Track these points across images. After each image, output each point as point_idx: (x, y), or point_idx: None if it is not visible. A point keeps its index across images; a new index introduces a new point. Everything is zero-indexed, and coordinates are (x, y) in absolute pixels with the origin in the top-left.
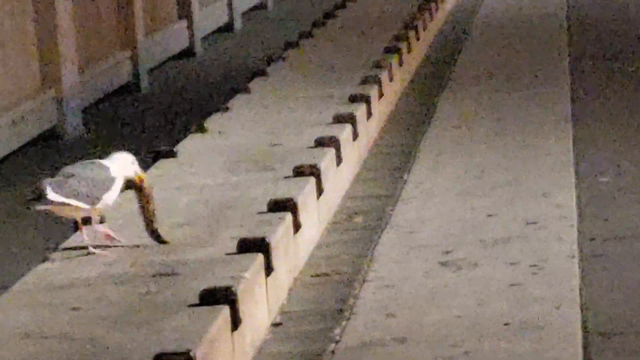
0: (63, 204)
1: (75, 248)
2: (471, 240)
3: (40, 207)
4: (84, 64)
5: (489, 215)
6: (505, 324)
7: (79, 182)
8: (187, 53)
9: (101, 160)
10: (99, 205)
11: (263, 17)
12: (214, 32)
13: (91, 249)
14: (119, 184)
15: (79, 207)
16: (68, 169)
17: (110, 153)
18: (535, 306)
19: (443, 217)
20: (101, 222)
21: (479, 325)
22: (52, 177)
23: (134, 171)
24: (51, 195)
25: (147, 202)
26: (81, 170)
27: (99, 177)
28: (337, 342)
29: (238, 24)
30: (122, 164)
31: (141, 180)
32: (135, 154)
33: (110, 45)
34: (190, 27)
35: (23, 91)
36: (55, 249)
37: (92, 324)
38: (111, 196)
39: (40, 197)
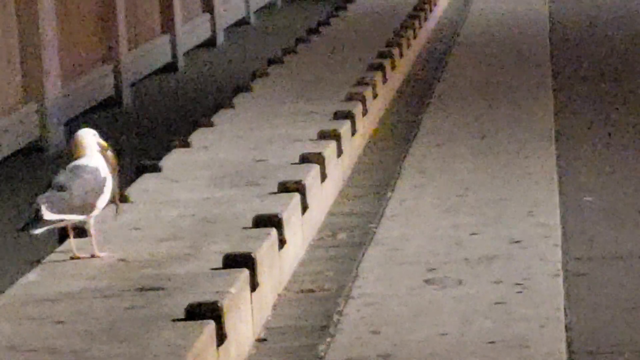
0: (60, 221)
1: (61, 260)
2: (455, 258)
3: (38, 231)
4: (67, 77)
5: (473, 234)
6: (490, 342)
7: (72, 195)
8: (170, 68)
9: (88, 163)
10: (94, 213)
11: (245, 33)
12: (196, 47)
13: (76, 254)
14: (109, 183)
15: (75, 220)
16: (59, 179)
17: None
18: (520, 325)
19: (427, 234)
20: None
21: (463, 343)
22: (43, 191)
23: (97, 143)
24: (47, 215)
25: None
26: (72, 180)
27: (91, 184)
28: (321, 358)
29: (220, 39)
30: (95, 147)
31: (105, 150)
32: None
33: (93, 59)
34: (172, 41)
35: (5, 104)
36: (39, 261)
37: (77, 337)
38: (104, 199)
39: (37, 218)
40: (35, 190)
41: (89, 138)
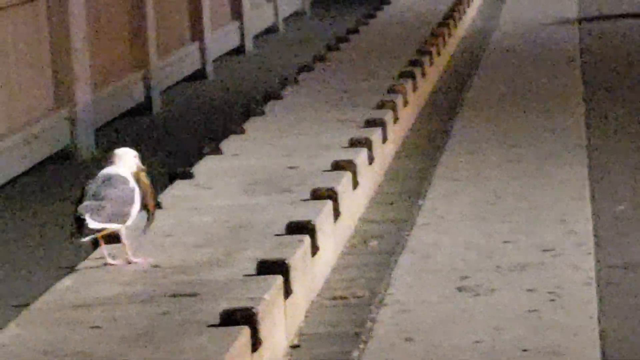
0: (102, 229)
1: (95, 266)
2: (488, 266)
3: (85, 239)
4: (97, 84)
5: (505, 242)
6: (524, 350)
7: (111, 204)
8: (199, 75)
9: (118, 172)
10: (128, 222)
11: (274, 40)
12: (225, 55)
13: (110, 261)
14: (138, 193)
15: (114, 228)
16: (95, 189)
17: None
18: (553, 333)
19: (459, 242)
20: (119, 241)
21: (496, 351)
22: (77, 200)
23: (136, 166)
24: (91, 223)
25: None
26: (108, 189)
27: (125, 193)
28: None
29: (249, 47)
30: (130, 166)
31: (138, 176)
32: (149, 174)
33: (123, 66)
34: (202, 49)
35: (36, 110)
36: (73, 268)
37: (112, 342)
38: (136, 208)
39: (81, 226)
40: (65, 196)
41: (130, 156)
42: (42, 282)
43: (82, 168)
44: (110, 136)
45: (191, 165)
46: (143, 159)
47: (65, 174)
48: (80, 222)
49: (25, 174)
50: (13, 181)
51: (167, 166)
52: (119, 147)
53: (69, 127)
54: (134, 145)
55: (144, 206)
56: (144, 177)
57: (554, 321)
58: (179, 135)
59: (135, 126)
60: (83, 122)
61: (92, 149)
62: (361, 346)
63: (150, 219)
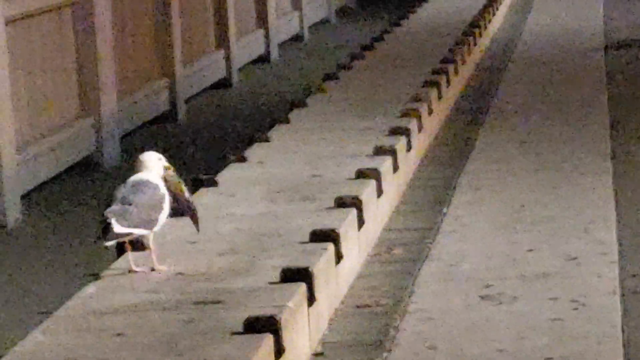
0: (128, 234)
1: (120, 273)
2: (511, 275)
3: (109, 243)
4: (122, 92)
5: (529, 250)
6: (547, 359)
7: (138, 209)
8: (224, 83)
9: (149, 178)
10: (156, 228)
11: (299, 49)
12: (250, 63)
13: (135, 268)
14: (167, 200)
15: (140, 234)
16: (123, 194)
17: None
18: (577, 342)
19: (483, 251)
20: (145, 249)
21: (521, 359)
22: (105, 205)
23: (162, 168)
24: (117, 228)
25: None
26: (136, 195)
27: (153, 199)
28: None
29: (275, 55)
30: (157, 170)
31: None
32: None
33: (148, 74)
34: (227, 57)
35: (62, 118)
36: (98, 275)
37: (136, 350)
38: (164, 215)
39: (106, 230)
40: (91, 203)
41: (153, 159)
42: (67, 288)
43: (108, 176)
44: (136, 144)
45: (215, 173)
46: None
47: (91, 182)
48: (105, 226)
49: (51, 181)
50: (39, 188)
51: (192, 174)
52: (145, 152)
53: (95, 135)
54: (159, 153)
55: (186, 205)
56: (172, 176)
57: (577, 330)
58: (203, 143)
59: (160, 134)
60: (108, 130)
61: (117, 157)
62: (385, 354)
63: (194, 216)
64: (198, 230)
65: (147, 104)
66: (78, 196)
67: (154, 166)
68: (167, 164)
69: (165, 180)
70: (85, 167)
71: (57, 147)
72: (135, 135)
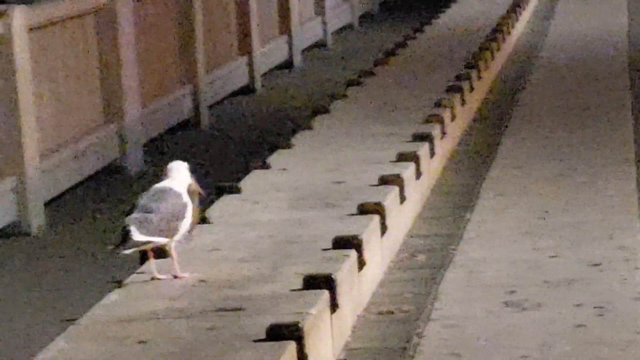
0: (147, 242)
1: (143, 281)
2: (535, 281)
3: (128, 251)
4: (146, 99)
5: (553, 257)
6: None
7: (159, 217)
8: (247, 90)
9: (172, 186)
10: (177, 237)
11: (323, 55)
12: (273, 69)
13: (157, 276)
14: (190, 209)
15: (161, 242)
16: (145, 202)
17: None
18: (601, 348)
19: (506, 257)
20: (167, 256)
21: None
22: (128, 212)
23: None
24: (136, 236)
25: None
26: (158, 203)
27: (175, 207)
28: None
29: (298, 61)
30: (185, 180)
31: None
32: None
33: (171, 80)
34: (250, 63)
35: (85, 125)
36: (121, 282)
37: (159, 358)
38: (186, 223)
39: (125, 238)
40: (114, 210)
41: (182, 169)
42: (91, 296)
43: (131, 182)
44: (159, 151)
45: (239, 179)
46: (191, 174)
47: (114, 188)
48: (125, 234)
49: (74, 188)
50: (63, 195)
51: (215, 180)
52: (167, 161)
53: (118, 141)
54: (182, 160)
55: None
56: (194, 187)
57: (601, 336)
58: (226, 149)
59: (183, 140)
60: (132, 137)
61: (140, 163)
62: None
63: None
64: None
65: (171, 111)
66: (102, 203)
67: (181, 174)
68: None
69: (191, 193)
70: (109, 173)
71: (80, 154)
72: (159, 142)
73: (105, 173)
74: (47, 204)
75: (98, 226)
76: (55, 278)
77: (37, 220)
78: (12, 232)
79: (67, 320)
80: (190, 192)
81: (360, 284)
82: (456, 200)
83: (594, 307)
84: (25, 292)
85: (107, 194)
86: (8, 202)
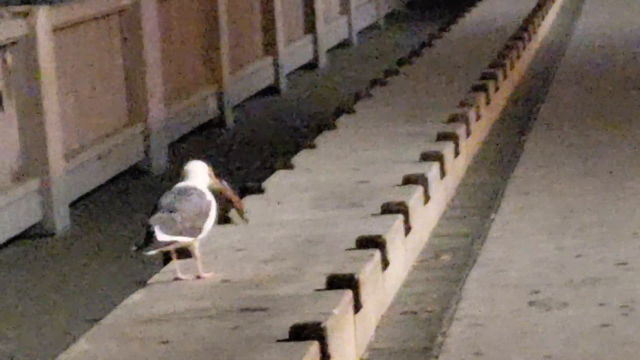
0: (172, 242)
1: (166, 281)
2: (560, 281)
3: (151, 252)
4: (170, 99)
5: (578, 256)
6: None
7: (183, 217)
8: (272, 90)
9: (195, 185)
10: (201, 236)
11: (348, 54)
12: (298, 69)
13: (181, 276)
14: (214, 207)
15: (185, 242)
16: (168, 202)
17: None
18: (626, 348)
19: (531, 256)
20: (190, 256)
21: None
22: (150, 213)
23: (209, 177)
24: (160, 236)
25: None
26: (181, 202)
27: (199, 207)
28: None
29: (323, 61)
30: (203, 180)
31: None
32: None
33: (196, 81)
34: (275, 63)
35: (110, 126)
36: (144, 283)
37: (181, 358)
38: (210, 222)
39: (149, 239)
40: (139, 211)
41: (200, 169)
42: (115, 296)
43: (156, 183)
44: (184, 151)
45: (263, 180)
46: (215, 174)
47: (139, 189)
48: (149, 234)
49: (99, 188)
50: (87, 196)
51: (239, 181)
52: (191, 161)
53: (143, 142)
54: (207, 160)
55: (234, 207)
56: (219, 184)
57: (626, 336)
58: (251, 149)
59: (208, 141)
60: (156, 138)
61: (165, 164)
62: None
63: (242, 215)
64: (246, 220)
65: (195, 111)
66: (126, 203)
67: (200, 175)
68: (212, 177)
69: (215, 190)
70: (134, 174)
71: (105, 155)
72: (184, 142)
73: (130, 174)
74: (72, 205)
75: (122, 227)
76: (79, 278)
77: (61, 221)
78: (37, 232)
79: (92, 320)
80: (215, 190)
81: (384, 284)
82: (481, 199)
83: (620, 307)
84: (49, 292)
85: (131, 195)
86: (33, 203)
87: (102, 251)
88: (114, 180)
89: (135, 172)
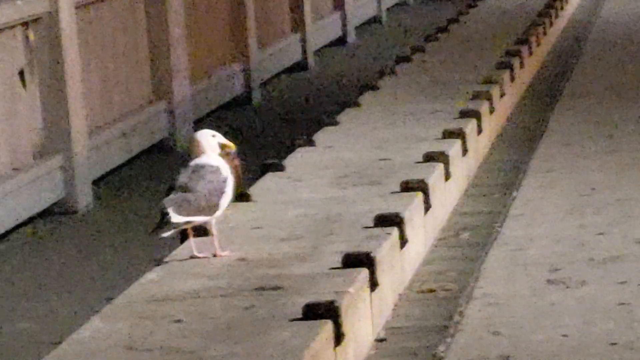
0: (187, 222)
1: (182, 259)
2: (580, 259)
3: (167, 234)
4: (196, 76)
5: (599, 234)
6: (612, 344)
7: (198, 197)
8: (300, 66)
9: (209, 162)
10: (218, 213)
11: (377, 31)
12: (327, 46)
13: (197, 254)
14: (230, 183)
15: (201, 221)
16: (182, 181)
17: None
18: None
19: (552, 234)
20: (207, 234)
21: (584, 345)
22: (166, 192)
23: (218, 144)
24: (175, 218)
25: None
26: (196, 181)
27: (214, 184)
28: (441, 359)
29: (351, 37)
30: (215, 148)
31: (226, 149)
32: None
33: (222, 57)
34: (303, 40)
35: (134, 103)
36: (161, 261)
37: (194, 337)
38: (227, 199)
39: (164, 221)
40: (163, 189)
41: (207, 138)
42: (136, 274)
43: (181, 160)
44: (209, 128)
45: (284, 157)
46: (240, 151)
47: (164, 166)
48: (163, 216)
49: (123, 165)
50: (112, 173)
51: (263, 158)
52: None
53: (168, 119)
54: (232, 137)
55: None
56: (230, 151)
57: None
58: (276, 126)
59: (233, 118)
60: (181, 114)
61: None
62: (448, 340)
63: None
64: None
65: (222, 88)
66: (150, 181)
67: (207, 143)
68: (224, 141)
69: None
70: (159, 151)
71: (129, 132)
72: (209, 119)
73: (155, 151)
74: (95, 182)
75: (146, 204)
76: (101, 256)
77: (84, 198)
78: (60, 210)
79: (111, 299)
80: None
81: (402, 262)
82: (503, 177)
83: (638, 285)
84: (70, 270)
85: (156, 172)
86: (55, 179)
87: (125, 229)
88: (138, 157)
89: (160, 149)
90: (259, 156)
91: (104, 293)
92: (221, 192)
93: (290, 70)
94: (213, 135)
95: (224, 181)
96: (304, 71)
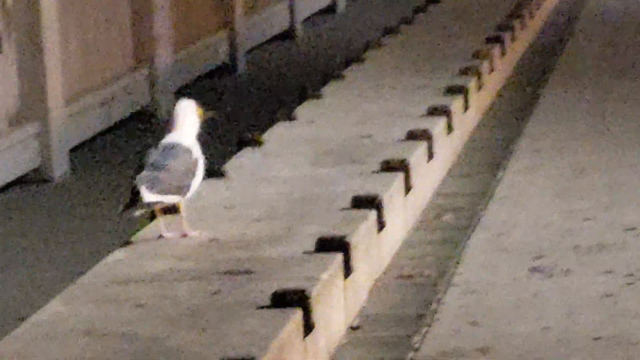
0: (158, 202)
1: (150, 239)
2: (565, 246)
3: (138, 212)
4: (179, 44)
5: (586, 220)
6: (596, 339)
7: (169, 176)
8: (287, 35)
9: (180, 142)
10: (188, 195)
11: (367, 0)
12: (316, 14)
13: (166, 234)
14: (202, 165)
15: (172, 201)
16: (154, 159)
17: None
18: (629, 320)
19: (536, 219)
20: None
21: (567, 338)
22: (137, 170)
23: (197, 117)
24: (147, 196)
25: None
26: (167, 160)
27: (185, 164)
28: (416, 350)
29: (341, 6)
30: (194, 122)
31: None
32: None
33: (207, 25)
34: (291, 8)
35: (114, 70)
36: (128, 242)
37: (156, 322)
38: (198, 181)
39: (135, 199)
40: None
41: (186, 110)
42: (108, 249)
43: (162, 130)
44: (191, 97)
45: (264, 130)
46: (221, 122)
47: (144, 136)
48: (135, 195)
49: (103, 133)
50: (90, 141)
51: (243, 129)
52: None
53: (148, 87)
54: (214, 108)
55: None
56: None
57: (630, 307)
58: (260, 97)
59: (217, 87)
60: (163, 83)
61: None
62: (424, 330)
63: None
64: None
65: (205, 56)
66: (129, 151)
67: (189, 119)
68: (201, 111)
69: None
70: (139, 120)
71: (108, 100)
72: (192, 88)
73: (135, 120)
74: (73, 151)
75: (124, 174)
76: (74, 228)
77: (60, 167)
78: (34, 178)
79: (78, 274)
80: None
81: (379, 247)
82: (489, 157)
83: (625, 275)
84: (39, 242)
85: (135, 142)
86: (31, 148)
87: (101, 199)
88: (117, 126)
89: (141, 117)
90: (240, 127)
91: (73, 268)
92: (193, 173)
93: (277, 38)
94: (192, 106)
95: (195, 162)
96: (291, 40)
